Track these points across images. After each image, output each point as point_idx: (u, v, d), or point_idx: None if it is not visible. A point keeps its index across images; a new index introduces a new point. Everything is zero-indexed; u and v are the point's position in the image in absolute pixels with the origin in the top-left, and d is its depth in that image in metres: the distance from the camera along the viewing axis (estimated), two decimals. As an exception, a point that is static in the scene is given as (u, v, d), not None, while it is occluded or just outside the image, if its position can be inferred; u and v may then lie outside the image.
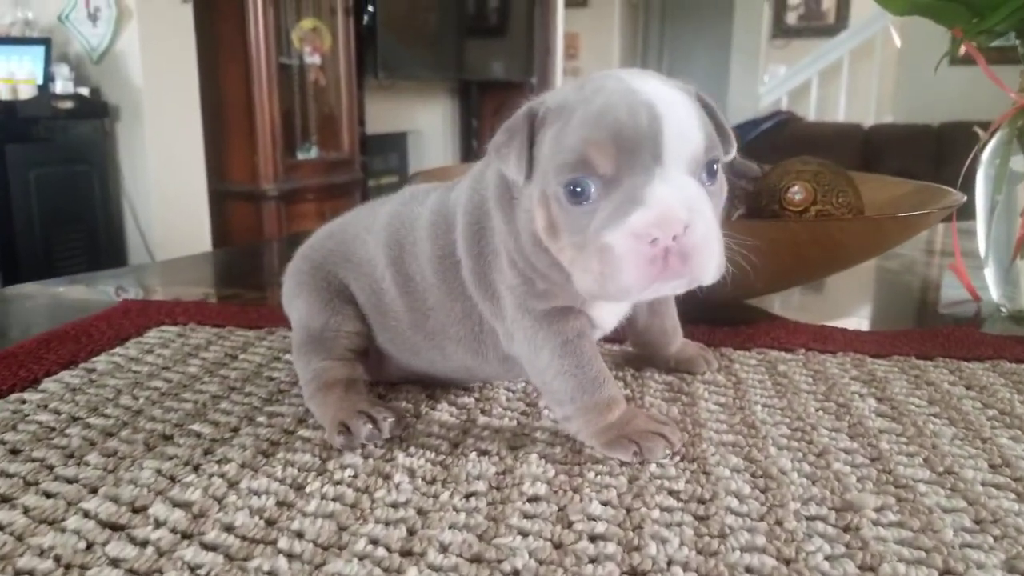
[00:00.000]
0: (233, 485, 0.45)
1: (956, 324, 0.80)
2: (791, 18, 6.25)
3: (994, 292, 0.86)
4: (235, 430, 0.52)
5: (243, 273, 1.16)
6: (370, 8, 3.82)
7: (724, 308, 0.82)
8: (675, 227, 0.42)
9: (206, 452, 0.49)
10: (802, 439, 0.51)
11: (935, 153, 4.72)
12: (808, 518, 0.42)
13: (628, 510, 0.42)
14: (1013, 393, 0.59)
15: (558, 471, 0.46)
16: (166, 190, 2.89)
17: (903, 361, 0.66)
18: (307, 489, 0.44)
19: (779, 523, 0.41)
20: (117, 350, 0.69)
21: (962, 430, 0.53)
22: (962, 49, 0.84)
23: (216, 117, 3.12)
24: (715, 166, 0.46)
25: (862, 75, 5.65)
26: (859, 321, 0.87)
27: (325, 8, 3.57)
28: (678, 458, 0.48)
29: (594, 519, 0.41)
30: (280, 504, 0.43)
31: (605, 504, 0.43)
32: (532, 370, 0.52)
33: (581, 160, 0.43)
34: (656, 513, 0.42)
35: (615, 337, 0.63)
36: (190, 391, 0.59)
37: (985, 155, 0.85)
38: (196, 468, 0.47)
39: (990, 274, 0.86)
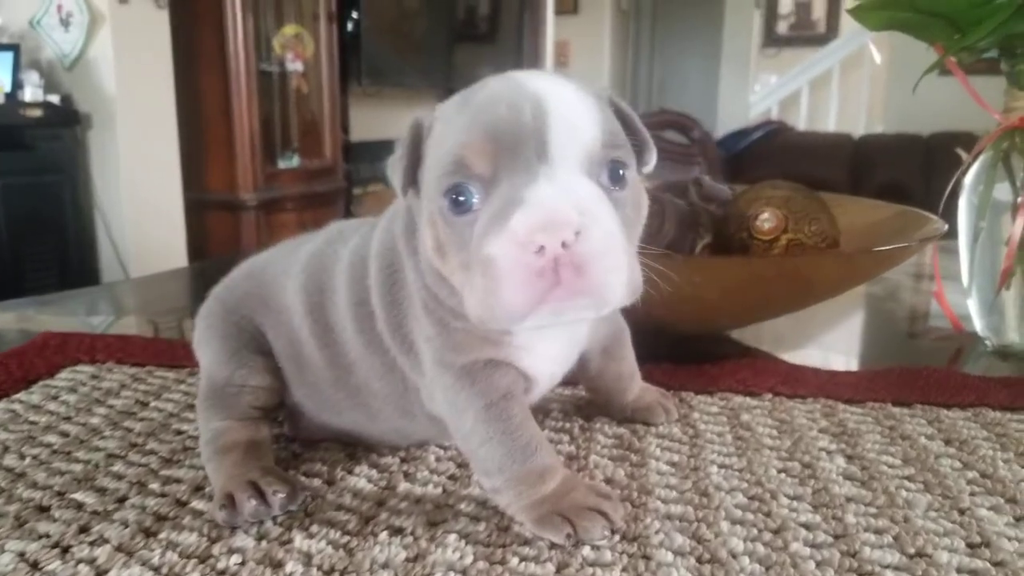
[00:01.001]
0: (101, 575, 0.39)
1: (938, 358, 0.75)
2: (782, 27, 6.21)
3: (977, 324, 0.81)
4: (121, 500, 0.46)
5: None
6: (354, 15, 3.76)
7: (694, 340, 0.77)
8: (563, 231, 0.35)
9: (81, 529, 0.43)
10: (758, 510, 0.45)
11: (925, 163, 4.68)
12: (757, 619, 0.36)
13: (549, 610, 0.36)
14: (996, 450, 0.54)
15: (477, 556, 0.41)
16: (140, 201, 2.82)
17: (878, 409, 0.61)
18: (182, 582, 0.38)
19: (723, 626, 0.35)
20: (20, 395, 0.63)
21: (938, 498, 0.47)
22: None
23: (193, 125, 3.05)
24: (621, 171, 0.40)
25: (852, 85, 5.62)
26: (838, 355, 0.82)
27: (308, 14, 3.51)
28: (617, 537, 0.42)
29: (509, 621, 0.36)
30: (146, 603, 0.37)
31: (524, 602, 0.37)
32: (456, 434, 0.46)
33: (457, 163, 0.38)
34: (581, 614, 0.36)
35: (568, 379, 0.57)
36: (85, 448, 0.53)
37: (968, 180, 0.80)
38: (65, 551, 0.41)
39: (973, 305, 0.81)
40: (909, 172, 4.52)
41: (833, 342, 0.89)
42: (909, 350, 0.83)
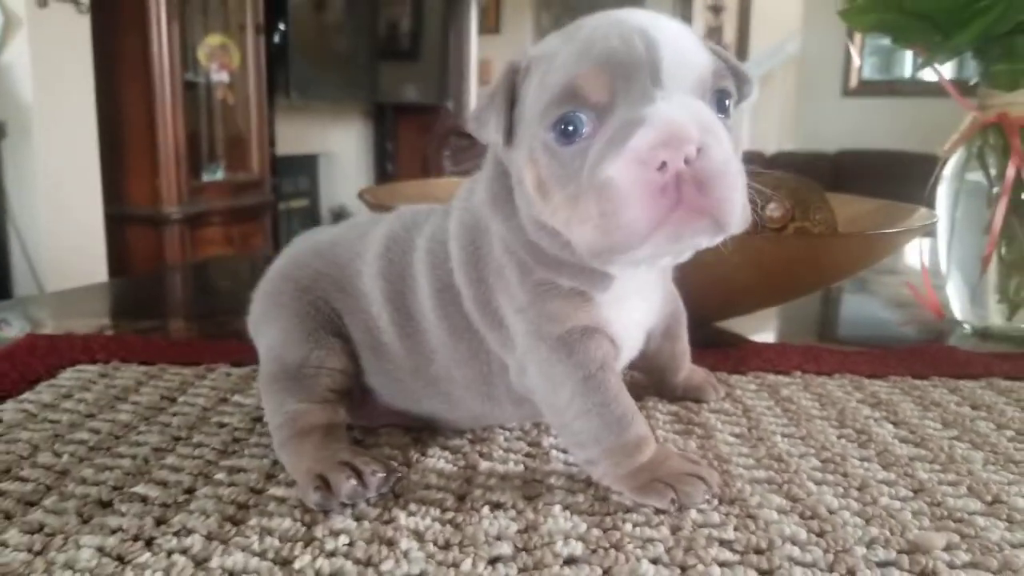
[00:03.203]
0: (201, 564, 0.37)
1: (921, 342, 0.78)
2: (694, 48, 6.42)
3: (957, 309, 0.85)
4: (190, 491, 0.44)
5: (155, 301, 1.05)
6: (281, 26, 3.69)
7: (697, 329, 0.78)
8: (686, 147, 0.35)
9: (159, 521, 0.40)
10: (836, 471, 0.47)
11: (832, 179, 4.92)
12: (879, 564, 0.37)
13: (683, 568, 0.36)
14: (1019, 412, 0.57)
15: (589, 524, 0.40)
16: (57, 214, 2.67)
17: (901, 381, 0.64)
18: (296, 565, 0.36)
19: (852, 572, 0.36)
20: (26, 395, 0.59)
21: (989, 454, 0.50)
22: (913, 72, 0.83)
23: (114, 136, 2.93)
24: (727, 101, 0.40)
25: (763, 105, 5.85)
26: (828, 344, 0.85)
27: (234, 24, 3.42)
28: (716, 501, 0.43)
29: (647, 582, 0.35)
30: (267, 585, 0.35)
31: (655, 562, 0.37)
32: (549, 409, 0.45)
33: (568, 91, 0.38)
34: (716, 570, 0.36)
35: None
36: (125, 444, 0.50)
37: (947, 172, 0.85)
38: (149, 543, 0.38)
39: (953, 291, 0.85)
40: (819, 186, 4.74)
41: (818, 332, 0.92)
42: (892, 336, 0.87)
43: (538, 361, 0.44)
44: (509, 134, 0.42)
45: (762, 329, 0.85)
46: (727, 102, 0.40)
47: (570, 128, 0.38)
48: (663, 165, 0.35)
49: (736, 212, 0.37)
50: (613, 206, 0.36)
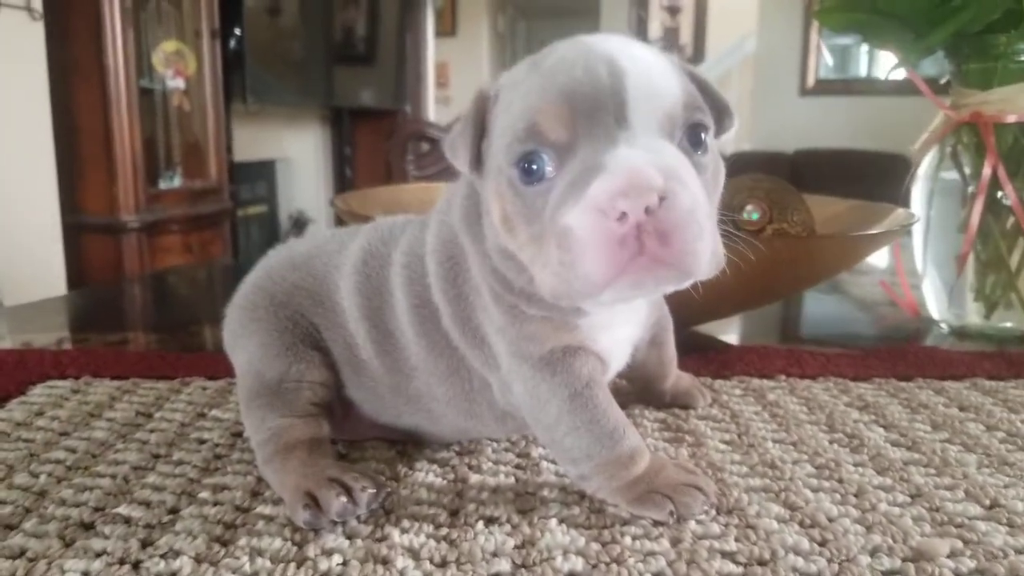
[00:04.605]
0: (191, 589, 0.35)
1: (898, 342, 0.79)
2: (652, 50, 6.47)
3: (933, 308, 0.86)
4: (174, 511, 0.42)
5: (118, 313, 1.02)
6: (237, 31, 3.64)
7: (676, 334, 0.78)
8: (647, 196, 0.33)
9: (144, 543, 0.39)
10: (831, 477, 0.46)
11: (790, 179, 4.97)
12: (885, 574, 0.36)
13: (688, 582, 0.36)
14: (1007, 413, 0.57)
15: (588, 538, 0.39)
16: (13, 224, 2.59)
17: (886, 383, 0.64)
18: (290, 587, 0.35)
19: (858, 583, 0.36)
20: (-5, 413, 0.56)
21: (983, 456, 0.50)
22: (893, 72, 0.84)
23: (69, 144, 2.85)
24: (702, 135, 0.38)
25: (721, 105, 5.91)
26: (807, 345, 0.85)
27: (189, 30, 3.35)
28: (714, 511, 0.42)
29: (652, 597, 0.34)
30: (261, 611, 0.33)
31: (658, 576, 0.36)
32: (537, 426, 0.44)
33: (529, 129, 0.36)
34: (722, 583, 0.35)
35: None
36: (103, 462, 0.48)
37: (921, 171, 0.86)
38: (136, 567, 0.37)
39: (929, 290, 0.86)
40: (780, 186, 4.81)
41: (793, 334, 0.93)
42: (869, 336, 0.87)
43: (523, 379, 0.43)
44: (478, 163, 0.40)
45: (736, 332, 0.85)
46: (703, 136, 0.38)
47: (533, 167, 0.37)
48: (623, 215, 0.33)
49: (701, 261, 0.35)
50: (571, 256, 0.35)
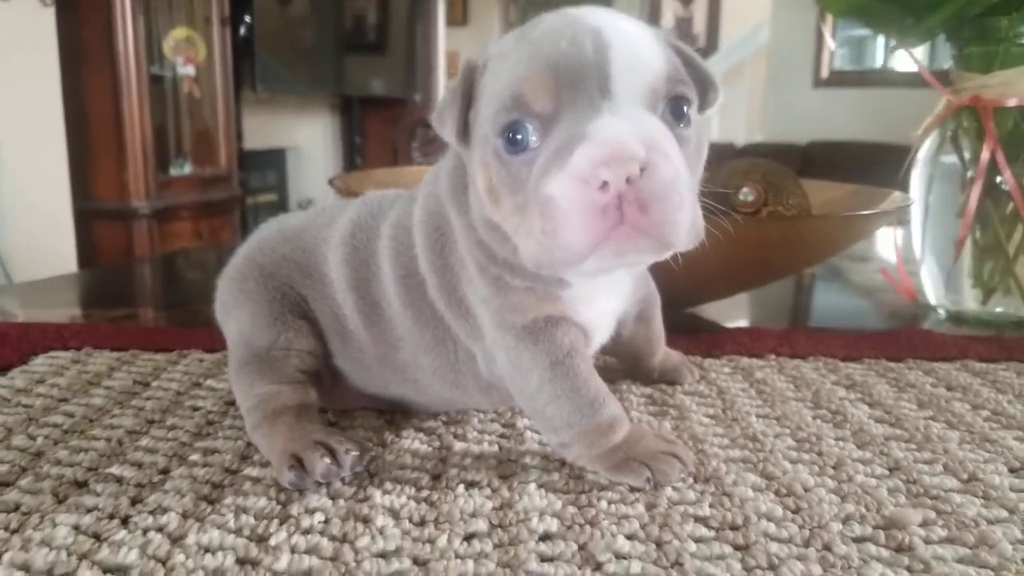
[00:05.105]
0: (177, 541, 0.36)
1: (896, 326, 0.79)
2: (664, 41, 6.44)
3: (931, 294, 0.86)
4: (164, 472, 0.43)
5: (126, 291, 1.03)
6: (247, 19, 3.65)
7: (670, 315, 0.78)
8: (628, 165, 0.34)
9: (134, 501, 0.40)
10: (811, 451, 0.47)
11: (802, 170, 4.95)
12: (855, 540, 0.37)
13: (658, 544, 0.36)
14: (994, 393, 0.58)
15: (565, 502, 0.40)
16: (25, 209, 2.62)
17: (876, 364, 0.64)
18: (272, 541, 0.36)
19: (828, 548, 0.36)
20: (-2, 381, 0.57)
21: (965, 433, 0.50)
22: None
23: (81, 130, 2.87)
24: (685, 108, 0.39)
25: (733, 96, 5.88)
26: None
27: (199, 17, 3.37)
28: (691, 479, 0.43)
29: (623, 557, 0.35)
30: (242, 562, 0.34)
31: (631, 538, 0.37)
32: (520, 395, 0.45)
33: (515, 99, 0.37)
34: (692, 546, 0.36)
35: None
36: (99, 427, 0.49)
37: (921, 156, 0.86)
38: (125, 521, 0.38)
39: (927, 276, 0.86)
40: (791, 178, 4.79)
41: (791, 319, 0.93)
42: (866, 321, 0.88)
43: (505, 349, 0.44)
44: (465, 134, 0.41)
45: (735, 316, 0.86)
46: (685, 109, 0.39)
47: (518, 136, 0.37)
48: (604, 184, 0.34)
49: (680, 231, 0.36)
50: (553, 224, 0.35)
